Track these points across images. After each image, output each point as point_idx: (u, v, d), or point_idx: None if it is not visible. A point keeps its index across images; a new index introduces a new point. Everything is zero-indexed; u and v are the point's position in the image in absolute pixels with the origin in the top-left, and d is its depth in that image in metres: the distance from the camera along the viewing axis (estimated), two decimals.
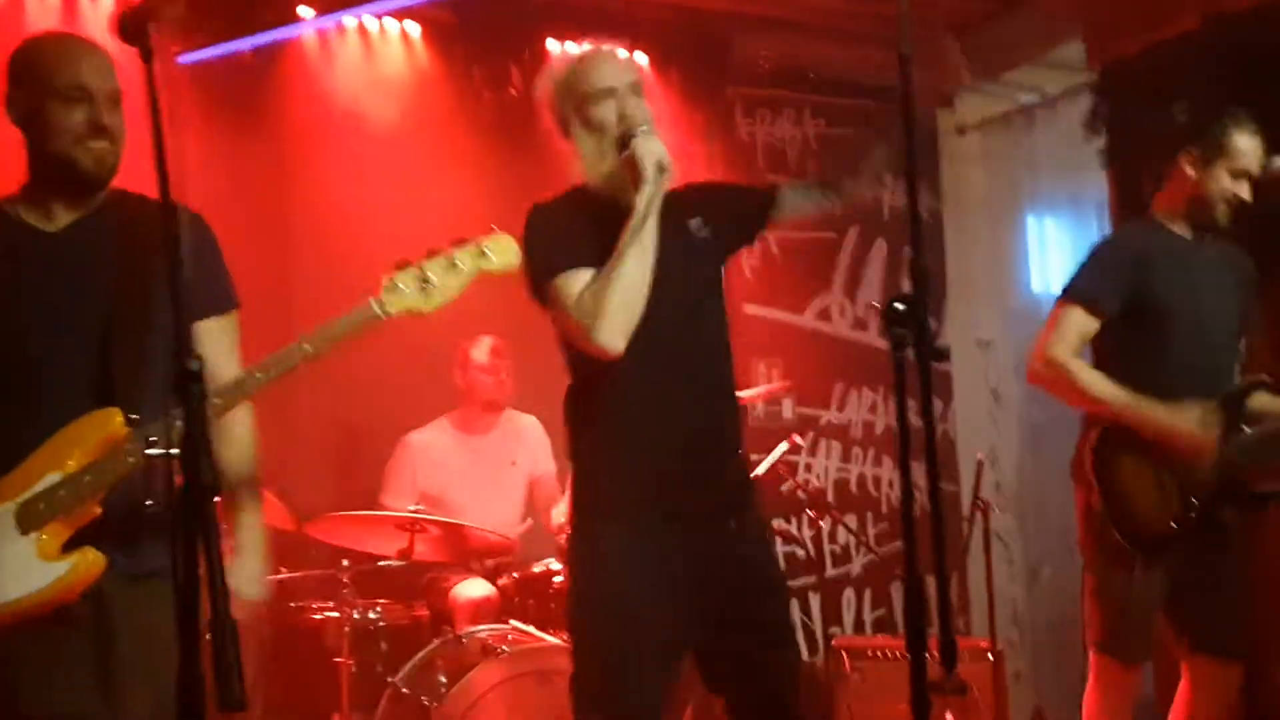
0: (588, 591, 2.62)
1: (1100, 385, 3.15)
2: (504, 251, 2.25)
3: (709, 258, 2.72)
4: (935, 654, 2.04)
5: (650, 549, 2.54)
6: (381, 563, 3.90)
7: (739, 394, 2.82)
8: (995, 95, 5.74)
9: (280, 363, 2.12)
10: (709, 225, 2.71)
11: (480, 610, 4.06)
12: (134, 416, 2.13)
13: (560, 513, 3.89)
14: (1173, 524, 3.09)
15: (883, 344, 5.91)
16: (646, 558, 2.54)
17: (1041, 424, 5.78)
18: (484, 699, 3.59)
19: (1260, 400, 3.22)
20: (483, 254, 2.22)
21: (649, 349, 2.53)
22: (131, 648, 2.13)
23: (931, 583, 2.00)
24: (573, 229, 2.60)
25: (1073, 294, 3.24)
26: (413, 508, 3.93)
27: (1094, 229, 5.48)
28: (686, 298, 2.62)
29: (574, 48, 5.31)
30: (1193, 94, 4.44)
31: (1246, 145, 3.21)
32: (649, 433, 2.58)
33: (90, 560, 2.11)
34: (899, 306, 2.07)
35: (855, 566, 5.61)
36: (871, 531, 5.68)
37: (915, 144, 2.22)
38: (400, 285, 2.17)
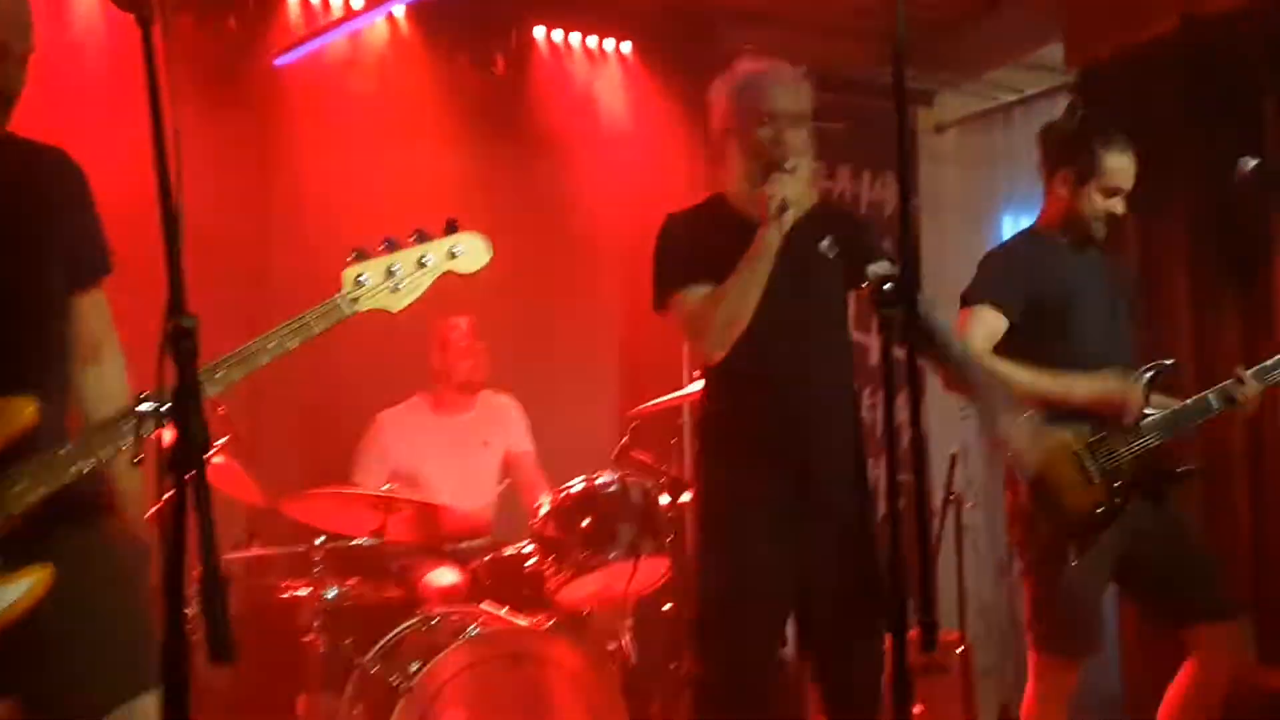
0: (712, 546, 2.85)
1: (1019, 372, 3.23)
2: (474, 252, 2.21)
3: (830, 276, 2.86)
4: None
5: (768, 533, 2.76)
6: (355, 542, 3.87)
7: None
8: (974, 94, 5.78)
9: (247, 360, 2.01)
10: (836, 249, 2.85)
11: (449, 596, 4.05)
12: (42, 405, 1.97)
13: (537, 487, 3.90)
14: (1099, 508, 3.18)
15: (859, 337, 5.93)
16: (765, 540, 2.77)
17: None
18: (453, 681, 3.57)
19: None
20: (452, 254, 2.18)
21: (768, 353, 2.77)
22: (67, 622, 1.99)
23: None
24: (701, 242, 2.83)
25: (978, 296, 3.33)
26: (386, 487, 3.91)
27: None
28: (803, 306, 2.83)
29: (559, 35, 5.31)
30: (1167, 96, 4.50)
31: (1117, 164, 3.34)
32: (771, 434, 2.80)
33: (44, 578, 1.95)
34: (887, 287, 2.10)
35: None
36: None
37: (906, 134, 2.28)
38: (366, 280, 2.11)
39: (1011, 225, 5.99)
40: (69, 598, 1.95)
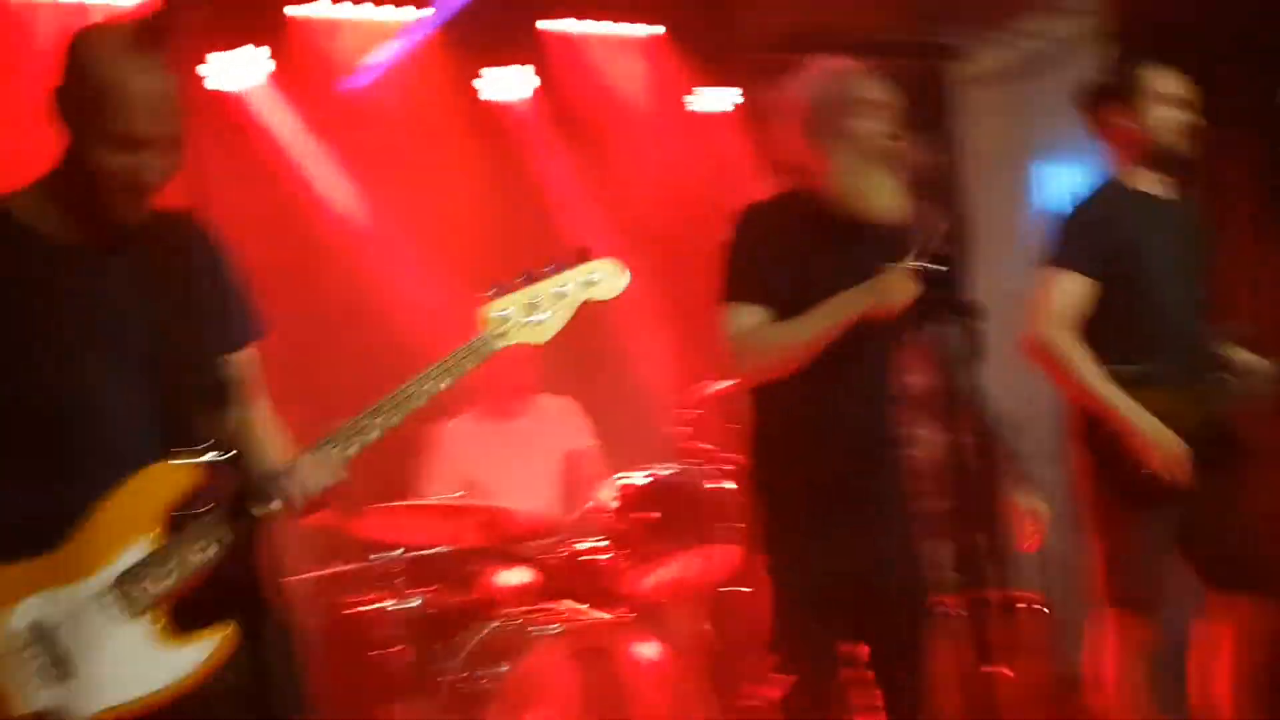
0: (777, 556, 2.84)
1: (1094, 377, 3.16)
2: (612, 279, 2.21)
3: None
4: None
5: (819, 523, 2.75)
6: (430, 551, 3.93)
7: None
8: (1005, 44, 5.70)
9: (404, 404, 2.04)
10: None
11: (523, 595, 4.09)
12: (212, 455, 1.97)
13: (612, 498, 3.94)
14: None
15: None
16: (822, 521, 2.75)
17: None
18: (542, 678, 3.63)
19: (1237, 349, 3.31)
20: (589, 282, 2.19)
21: (829, 360, 2.67)
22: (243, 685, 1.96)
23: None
24: (774, 244, 2.74)
25: (1057, 261, 3.24)
26: (456, 494, 3.96)
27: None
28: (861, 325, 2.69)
29: (586, 26, 5.31)
30: (1212, 38, 4.41)
31: (1157, 73, 3.27)
32: (813, 429, 2.76)
33: (229, 639, 1.92)
34: (935, 267, 2.10)
35: None
36: None
37: (943, 98, 2.25)
38: (508, 314, 2.13)
39: (1049, 176, 5.92)
40: (244, 662, 1.94)
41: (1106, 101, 3.32)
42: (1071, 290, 3.20)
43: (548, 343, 4.49)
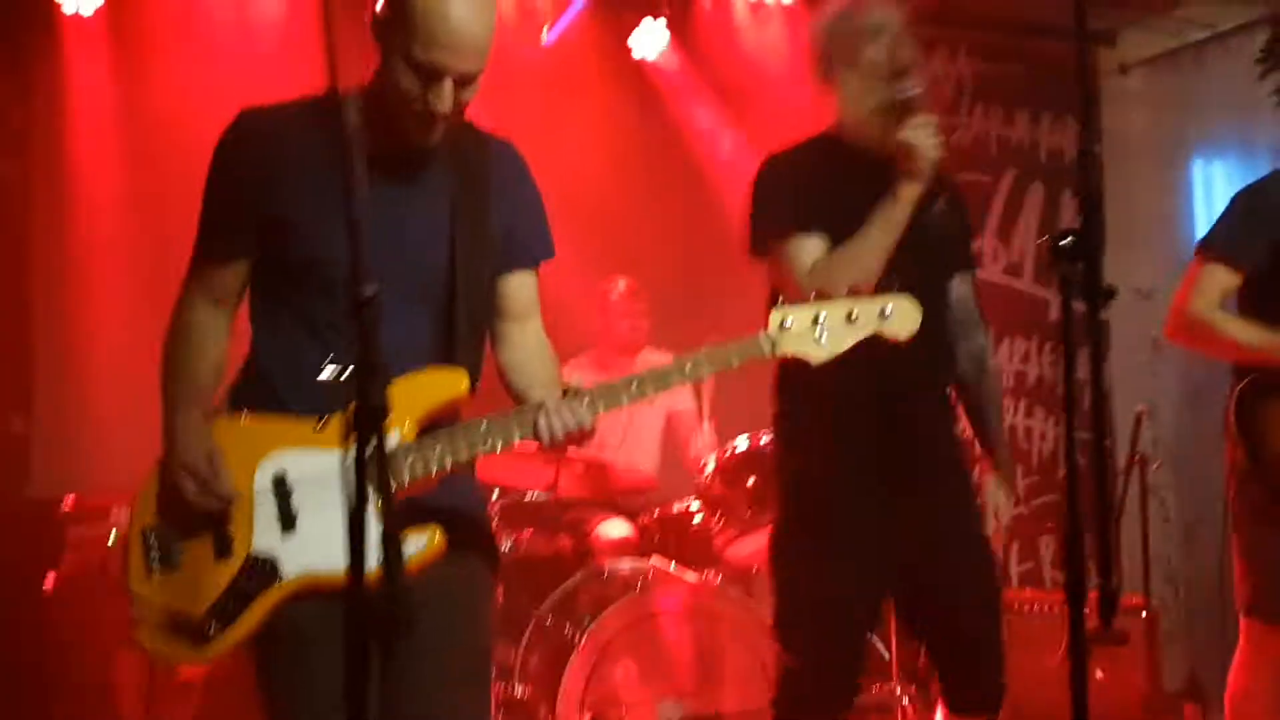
0: (794, 533, 2.72)
1: (1247, 331, 3.00)
2: (905, 316, 2.13)
3: (939, 242, 2.69)
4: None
5: (854, 502, 2.64)
6: (528, 496, 3.96)
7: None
8: (1162, 31, 5.48)
9: (660, 379, 2.07)
10: (949, 211, 2.71)
11: (620, 549, 4.11)
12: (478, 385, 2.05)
13: (701, 444, 3.90)
14: None
15: (1037, 290, 5.75)
16: (851, 509, 2.64)
17: (1203, 378, 5.54)
18: (624, 633, 3.64)
19: None
20: (884, 314, 2.11)
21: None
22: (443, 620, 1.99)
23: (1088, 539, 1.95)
24: (811, 186, 2.62)
25: (1211, 248, 3.06)
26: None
27: (1266, 173, 5.22)
28: (911, 273, 2.51)
29: None
30: None
31: None
32: (859, 399, 2.62)
33: (439, 542, 1.96)
34: (1066, 243, 2.00)
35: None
36: (1022, 484, 5.54)
37: (1088, 80, 2.15)
38: (790, 325, 2.08)
39: (1203, 170, 5.70)
40: (448, 576, 1.99)
41: None
42: (1221, 281, 3.04)
43: (661, 302, 4.48)
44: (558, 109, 4.89)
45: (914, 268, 2.54)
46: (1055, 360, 5.65)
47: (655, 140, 5.07)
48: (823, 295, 2.13)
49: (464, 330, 2.08)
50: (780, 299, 2.14)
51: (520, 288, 2.21)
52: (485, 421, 2.01)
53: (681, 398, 4.60)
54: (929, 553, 2.65)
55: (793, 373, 2.71)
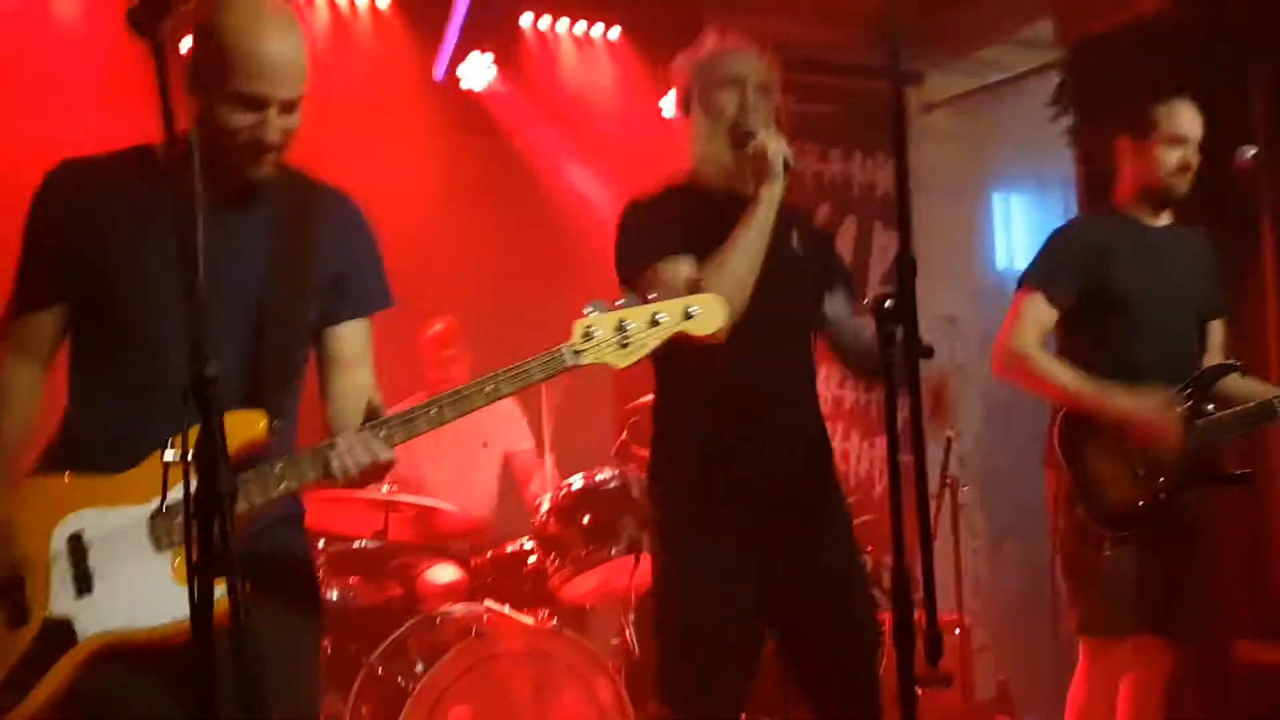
0: (673, 576, 2.70)
1: (1061, 374, 3.18)
2: (710, 313, 2.13)
3: (798, 275, 2.75)
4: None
5: (731, 538, 2.62)
6: (357, 543, 3.89)
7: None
8: (964, 73, 5.76)
9: (461, 402, 2.04)
10: (804, 245, 2.77)
11: (450, 594, 4.07)
12: (278, 422, 2.00)
13: (539, 484, 3.90)
14: (1140, 503, 3.13)
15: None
16: (728, 547, 2.62)
17: (1005, 400, 5.84)
18: (459, 680, 3.60)
19: (1230, 383, 3.28)
20: (688, 314, 2.11)
21: (738, 349, 2.50)
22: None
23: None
24: (672, 222, 2.64)
25: (1031, 282, 3.26)
26: (386, 488, 3.92)
27: (1060, 207, 5.54)
28: (777, 300, 2.64)
29: (546, 22, 5.29)
30: (1159, 74, 4.48)
31: (1171, 111, 3.24)
32: (733, 429, 2.65)
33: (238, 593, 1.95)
34: (888, 304, 2.09)
35: None
36: None
37: (903, 127, 2.26)
38: (595, 334, 2.07)
39: (1001, 203, 6.01)
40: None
41: (1115, 132, 3.32)
42: (1041, 313, 3.22)
43: (489, 343, 4.45)
44: (378, 142, 4.83)
45: (779, 300, 2.62)
46: (869, 385, 5.84)
47: (482, 173, 5.05)
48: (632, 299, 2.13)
49: (270, 373, 2.06)
50: (586, 310, 2.12)
51: (348, 338, 2.20)
52: (280, 463, 1.99)
53: (520, 437, 4.58)
54: (810, 598, 2.66)
55: (668, 416, 2.77)
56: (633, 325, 2.08)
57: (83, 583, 1.93)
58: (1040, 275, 3.25)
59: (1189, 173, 3.24)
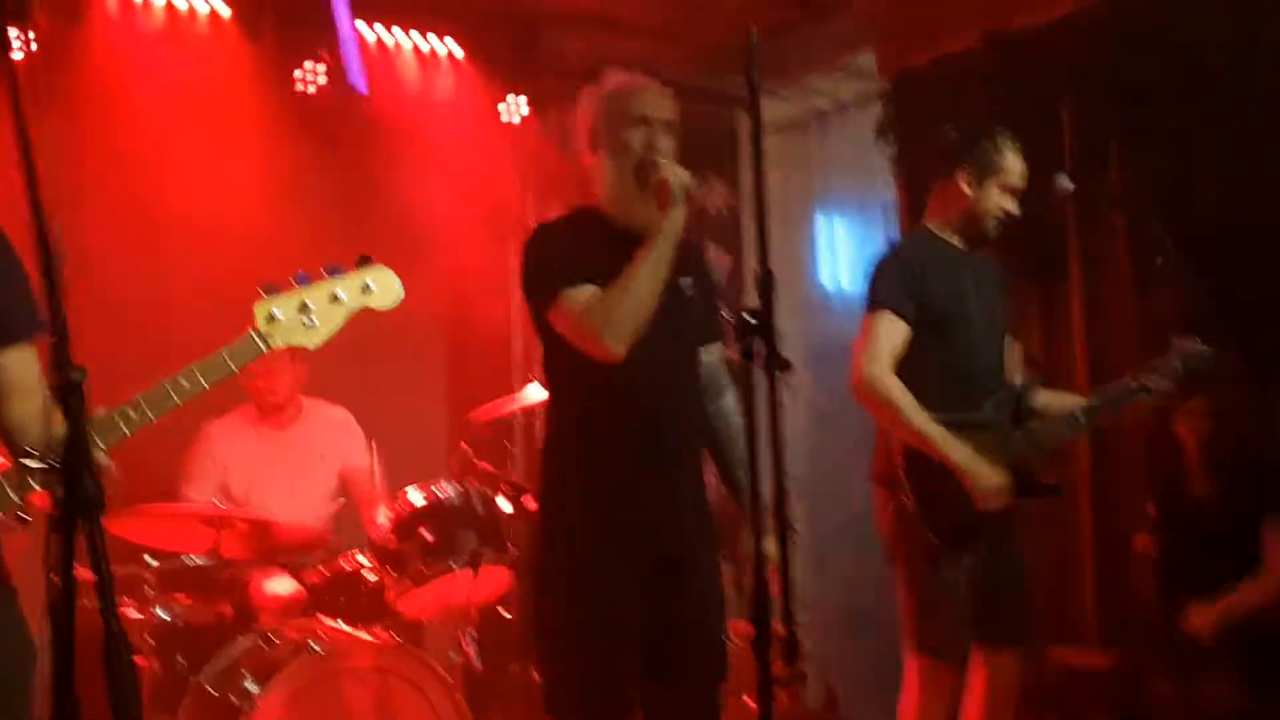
0: (559, 599, 2.74)
1: (914, 415, 3.26)
2: (388, 289, 2.18)
3: (690, 312, 2.83)
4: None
5: (619, 565, 2.70)
6: (188, 559, 3.76)
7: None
8: (791, 100, 5.94)
9: (158, 403, 1.97)
10: (697, 285, 2.86)
11: (287, 608, 3.97)
12: None
13: (385, 515, 3.84)
14: (971, 513, 3.25)
15: None
16: (617, 570, 2.70)
17: (827, 412, 6.04)
18: (294, 698, 3.52)
19: (1040, 396, 3.49)
20: (366, 288, 2.15)
21: (631, 385, 2.68)
22: None
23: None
24: (578, 247, 2.73)
25: (878, 303, 3.35)
26: (217, 502, 3.80)
27: (879, 229, 5.76)
28: (669, 342, 2.74)
29: (384, 32, 5.24)
30: (972, 108, 4.73)
31: (1014, 163, 3.42)
32: (627, 473, 2.73)
33: None
34: (749, 319, 2.17)
35: None
36: None
37: (760, 148, 2.35)
38: (278, 314, 2.07)
39: (825, 224, 6.21)
40: None
41: (958, 162, 3.42)
42: (891, 330, 3.31)
43: (324, 351, 4.40)
44: (214, 145, 4.70)
45: (669, 337, 2.72)
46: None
47: (318, 179, 4.96)
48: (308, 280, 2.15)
49: None
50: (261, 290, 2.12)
51: (14, 366, 2.09)
52: None
53: (356, 451, 4.48)
54: (673, 643, 2.74)
55: (557, 441, 2.82)
56: (314, 304, 2.11)
57: None
58: (885, 295, 3.35)
59: (1003, 222, 3.44)
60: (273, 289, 2.09)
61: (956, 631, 3.30)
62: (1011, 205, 3.43)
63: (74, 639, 1.43)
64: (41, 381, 2.08)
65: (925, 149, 5.01)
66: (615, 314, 2.61)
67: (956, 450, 3.24)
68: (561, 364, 2.81)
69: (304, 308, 2.09)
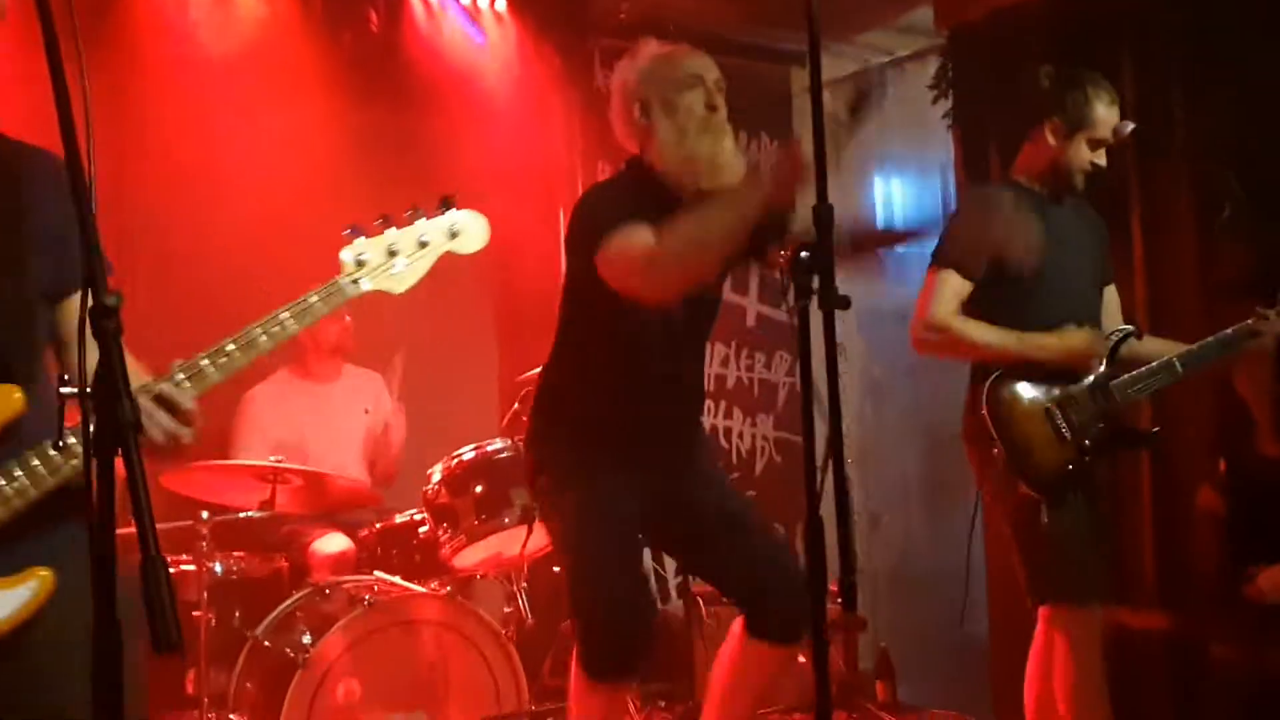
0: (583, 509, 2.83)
1: (986, 333, 3.24)
2: (475, 232, 2.09)
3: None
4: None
5: (628, 488, 2.81)
6: (243, 514, 3.79)
7: None
8: (847, 56, 5.86)
9: (247, 348, 1.89)
10: None
11: (339, 564, 4.00)
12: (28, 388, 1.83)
13: (437, 468, 3.86)
14: (1069, 465, 3.20)
15: (734, 298, 6.00)
16: (627, 490, 2.81)
17: (880, 377, 5.98)
18: (348, 651, 3.55)
19: (1130, 346, 3.37)
20: (452, 233, 2.07)
21: (649, 349, 2.80)
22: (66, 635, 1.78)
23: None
24: (635, 201, 2.72)
25: (943, 259, 3.29)
26: (273, 459, 3.83)
27: (937, 188, 5.67)
28: (693, 312, 2.85)
29: None
30: (1035, 59, 4.61)
31: (1106, 115, 3.32)
32: (632, 405, 2.83)
33: (49, 582, 1.79)
34: (804, 255, 2.12)
35: None
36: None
37: (819, 103, 2.29)
38: (366, 257, 1.99)
39: (882, 184, 6.13)
40: (70, 609, 1.74)
41: (1048, 113, 3.34)
42: (954, 285, 3.26)
43: (375, 314, 4.39)
44: (263, 106, 4.70)
45: (692, 308, 2.79)
46: (751, 364, 5.92)
47: (365, 139, 4.96)
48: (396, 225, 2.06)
49: (13, 345, 1.87)
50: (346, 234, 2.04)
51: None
52: (70, 439, 1.78)
53: (384, 411, 4.52)
54: (689, 510, 2.90)
55: (585, 365, 2.87)
56: (402, 248, 2.03)
57: None
58: (950, 251, 3.29)
59: (1091, 176, 3.35)
60: (358, 231, 2.01)
61: (1079, 574, 3.20)
62: (1100, 158, 3.34)
63: (114, 563, 1.41)
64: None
65: (982, 104, 4.93)
66: (682, 251, 2.57)
67: (1046, 342, 3.20)
68: (582, 323, 2.87)
69: (391, 251, 2.01)
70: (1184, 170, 4.25)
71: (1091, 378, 3.27)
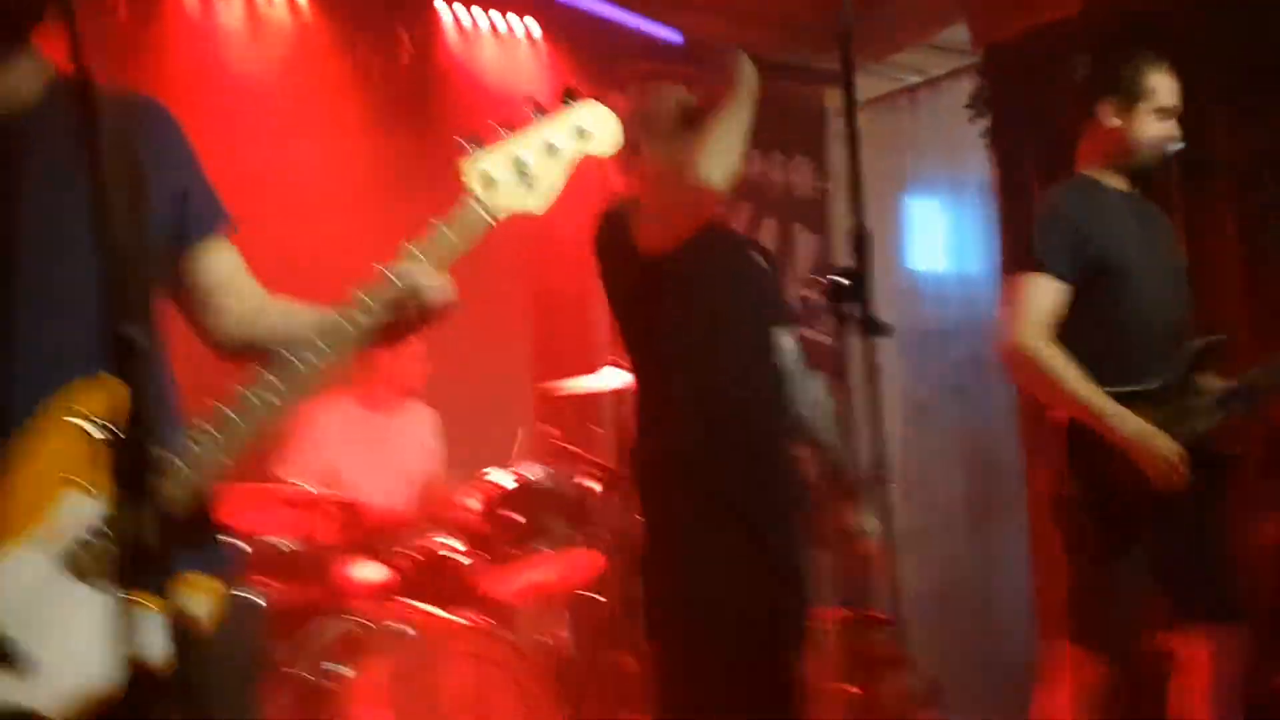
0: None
1: (1075, 382, 2.97)
2: (605, 128, 1.78)
3: (766, 288, 2.94)
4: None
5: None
6: (276, 542, 3.76)
7: None
8: (881, 76, 5.83)
9: (379, 293, 1.66)
10: (766, 264, 2.99)
11: (376, 593, 3.96)
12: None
13: (475, 495, 3.83)
14: (1141, 497, 2.95)
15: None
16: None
17: (922, 400, 5.91)
18: (383, 682, 3.51)
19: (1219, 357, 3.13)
20: (581, 132, 1.76)
21: (711, 358, 2.75)
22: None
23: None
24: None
25: (1034, 263, 3.06)
26: (315, 489, 3.80)
27: (974, 209, 5.62)
28: (747, 317, 2.85)
29: (464, 14, 5.24)
30: (1072, 77, 4.54)
31: (1162, 81, 3.12)
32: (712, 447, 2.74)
33: (221, 594, 1.59)
34: (842, 281, 2.08)
35: None
36: None
37: (854, 116, 2.27)
38: (496, 175, 1.70)
39: (917, 207, 6.08)
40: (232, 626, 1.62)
41: (1101, 95, 3.14)
42: (1047, 293, 3.02)
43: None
44: (294, 130, 4.72)
45: (749, 316, 2.74)
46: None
47: (402, 162, 4.97)
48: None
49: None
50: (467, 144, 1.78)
51: (220, 257, 1.83)
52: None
53: (437, 456, 4.50)
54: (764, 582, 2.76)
55: (648, 422, 2.82)
56: (531, 158, 1.73)
57: (11, 661, 1.47)
58: (1039, 255, 3.05)
59: (1168, 146, 3.13)
60: (475, 140, 1.72)
61: (1113, 627, 3.02)
62: (1171, 130, 3.11)
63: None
64: (248, 275, 1.87)
65: (1020, 122, 4.88)
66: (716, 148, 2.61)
67: (1127, 422, 2.92)
68: (640, 339, 2.84)
69: (519, 163, 1.71)
70: (1229, 189, 4.18)
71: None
